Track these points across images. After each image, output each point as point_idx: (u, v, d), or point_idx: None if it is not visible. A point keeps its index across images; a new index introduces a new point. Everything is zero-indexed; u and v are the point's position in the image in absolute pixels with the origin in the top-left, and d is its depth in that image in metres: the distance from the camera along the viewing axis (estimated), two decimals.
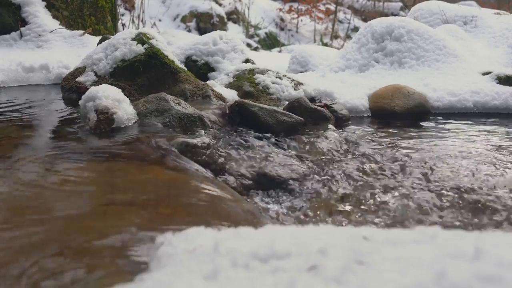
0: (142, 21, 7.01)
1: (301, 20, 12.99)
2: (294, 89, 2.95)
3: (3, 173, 1.32)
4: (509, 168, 1.97)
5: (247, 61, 3.37)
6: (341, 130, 2.55)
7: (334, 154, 2.06)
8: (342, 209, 1.56)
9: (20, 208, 1.10)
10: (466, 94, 3.30)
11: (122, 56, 2.52)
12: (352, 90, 3.23)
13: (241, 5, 12.31)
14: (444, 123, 2.92)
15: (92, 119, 1.82)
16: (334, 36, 12.30)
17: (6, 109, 2.22)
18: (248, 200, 1.55)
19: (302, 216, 1.49)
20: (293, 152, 2.01)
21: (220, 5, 11.94)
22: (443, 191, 1.71)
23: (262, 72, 3.04)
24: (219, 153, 1.75)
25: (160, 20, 10.49)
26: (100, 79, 2.50)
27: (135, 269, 0.82)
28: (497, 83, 3.47)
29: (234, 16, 12.05)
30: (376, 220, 1.48)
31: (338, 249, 0.69)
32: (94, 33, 4.14)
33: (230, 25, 11.65)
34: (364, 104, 3.11)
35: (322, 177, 1.79)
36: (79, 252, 0.89)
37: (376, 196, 1.66)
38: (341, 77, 3.60)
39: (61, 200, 1.16)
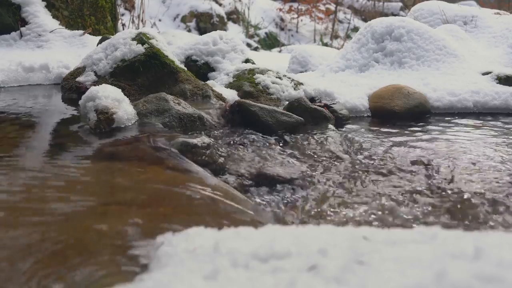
0: (142, 21, 7.01)
1: (301, 20, 12.98)
2: (294, 89, 2.95)
3: (3, 173, 1.32)
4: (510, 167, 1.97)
5: (247, 61, 3.37)
6: (341, 130, 2.55)
7: (334, 154, 2.06)
8: (343, 208, 1.56)
9: (20, 208, 1.10)
10: (466, 94, 3.30)
11: (122, 56, 2.52)
12: (352, 90, 3.23)
13: (241, 5, 12.30)
14: (444, 123, 2.92)
15: (92, 119, 1.82)
16: (334, 36, 12.29)
17: (6, 109, 2.22)
18: (248, 199, 1.55)
19: (302, 216, 1.49)
20: (293, 152, 2.01)
21: (220, 5, 11.93)
22: (443, 191, 1.71)
23: (262, 72, 3.04)
24: (219, 153, 1.75)
25: (160, 20, 10.48)
26: (100, 79, 2.50)
27: (135, 269, 0.82)
28: (497, 83, 3.47)
29: (234, 16, 12.05)
30: (376, 220, 1.48)
31: (338, 249, 0.69)
32: (94, 33, 4.13)
33: (230, 25, 11.65)
34: (364, 104, 3.11)
35: (322, 177, 1.79)
36: (78, 252, 0.89)
37: (376, 195, 1.66)
38: (341, 77, 3.60)
39: (61, 199, 1.16)
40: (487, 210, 1.57)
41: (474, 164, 2.03)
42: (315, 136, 2.21)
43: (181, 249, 0.74)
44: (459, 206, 1.60)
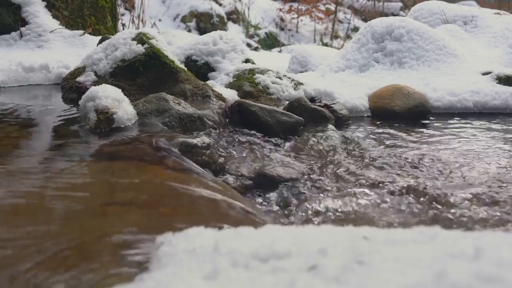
0: (142, 21, 7.01)
1: (301, 20, 12.98)
2: (294, 89, 2.95)
3: (3, 173, 1.32)
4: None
5: (247, 61, 3.37)
6: (341, 130, 2.55)
7: (334, 154, 2.06)
8: (342, 208, 1.56)
9: (20, 208, 1.10)
10: (466, 94, 3.30)
11: (122, 56, 2.52)
12: (352, 90, 3.23)
13: (241, 5, 12.30)
14: (444, 123, 2.92)
15: (92, 119, 1.82)
16: (334, 36, 12.29)
17: (6, 109, 2.22)
18: (248, 200, 1.55)
19: (302, 216, 1.49)
20: (293, 152, 2.01)
21: (220, 5, 11.93)
22: (441, 191, 1.71)
23: (262, 72, 3.04)
24: (219, 153, 1.75)
25: (160, 20, 10.48)
26: (100, 79, 2.50)
27: (135, 269, 0.82)
28: (497, 83, 3.47)
29: (234, 16, 12.05)
30: (376, 220, 1.48)
31: (338, 249, 0.69)
32: (94, 33, 4.13)
33: (230, 25, 11.65)
34: (364, 104, 3.11)
35: (322, 177, 1.79)
36: (79, 252, 0.89)
37: (376, 195, 1.66)
38: (341, 77, 3.60)
39: (61, 200, 1.16)
40: (481, 208, 1.57)
41: (473, 162, 2.03)
42: (315, 136, 2.21)
43: (181, 249, 0.74)
44: (460, 205, 1.60)
